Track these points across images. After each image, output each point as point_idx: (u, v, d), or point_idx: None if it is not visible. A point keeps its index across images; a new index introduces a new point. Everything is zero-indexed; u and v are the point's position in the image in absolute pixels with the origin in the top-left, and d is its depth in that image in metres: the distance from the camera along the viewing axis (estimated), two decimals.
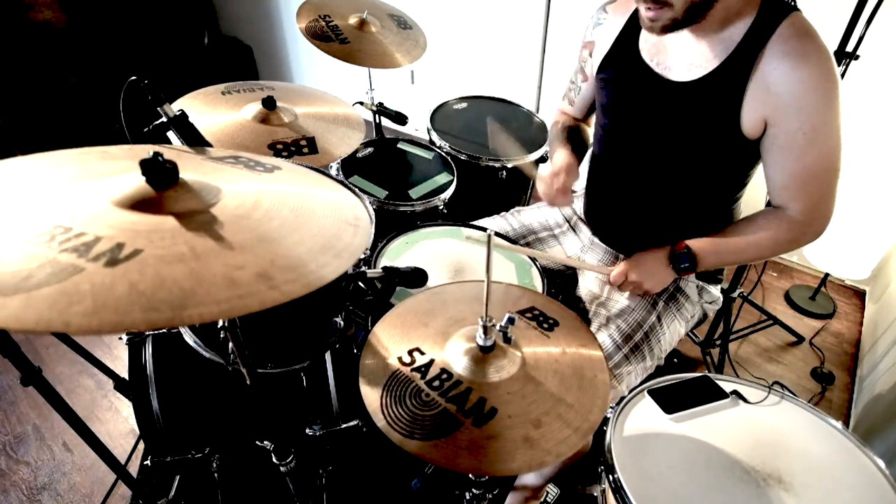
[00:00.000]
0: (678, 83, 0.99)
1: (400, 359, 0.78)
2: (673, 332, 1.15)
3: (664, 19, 0.89)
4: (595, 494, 1.32)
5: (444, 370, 0.76)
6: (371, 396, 0.73)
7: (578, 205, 1.36)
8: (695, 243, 1.04)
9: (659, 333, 1.12)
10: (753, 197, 1.15)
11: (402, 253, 1.23)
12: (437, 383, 0.74)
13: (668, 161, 1.07)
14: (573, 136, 1.27)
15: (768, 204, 1.03)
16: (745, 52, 0.91)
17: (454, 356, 0.78)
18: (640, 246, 1.10)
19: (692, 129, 1.00)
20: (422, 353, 0.79)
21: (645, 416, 0.93)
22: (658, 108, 1.03)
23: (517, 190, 1.78)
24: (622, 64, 1.07)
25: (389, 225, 1.34)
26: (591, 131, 1.34)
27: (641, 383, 1.00)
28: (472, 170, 1.64)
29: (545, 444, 0.67)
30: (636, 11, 1.05)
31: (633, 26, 1.06)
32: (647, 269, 1.06)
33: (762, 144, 0.96)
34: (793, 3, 0.91)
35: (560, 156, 1.20)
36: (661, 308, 1.15)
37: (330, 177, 0.96)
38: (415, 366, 0.77)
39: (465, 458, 0.65)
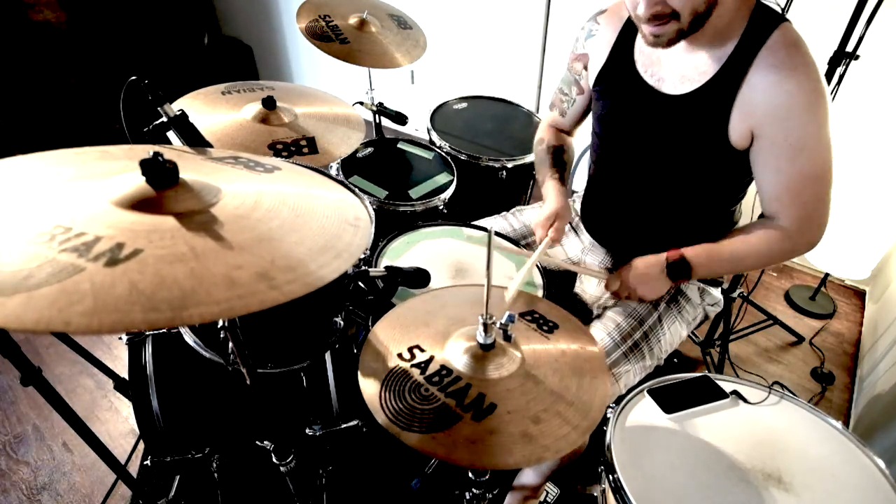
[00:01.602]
0: (670, 96, 0.99)
1: (400, 355, 0.78)
2: (674, 333, 1.15)
3: (670, 33, 0.88)
4: (595, 494, 1.32)
5: (443, 367, 0.76)
6: (370, 391, 0.73)
7: (579, 206, 1.36)
8: (690, 252, 1.03)
9: (659, 334, 1.13)
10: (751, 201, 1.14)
11: (403, 253, 1.23)
12: (436, 379, 0.74)
13: (661, 171, 1.07)
14: (558, 160, 1.25)
15: (762, 215, 1.03)
16: (735, 66, 0.91)
17: (454, 354, 0.78)
18: (637, 251, 1.10)
19: (683, 142, 1.01)
20: (422, 351, 0.79)
21: (645, 416, 0.93)
22: (651, 120, 1.04)
23: (517, 190, 1.78)
24: (618, 76, 1.07)
25: (389, 225, 1.34)
26: (575, 144, 1.34)
27: (641, 383, 1.00)
28: (472, 170, 1.65)
29: (544, 440, 0.67)
30: (629, 21, 1.05)
31: (626, 37, 1.06)
32: (641, 276, 1.06)
33: (751, 155, 0.96)
34: (782, 13, 0.91)
35: (551, 198, 1.17)
36: (662, 309, 1.15)
37: (330, 177, 0.96)
38: (414, 362, 0.77)
39: (464, 451, 0.66)
